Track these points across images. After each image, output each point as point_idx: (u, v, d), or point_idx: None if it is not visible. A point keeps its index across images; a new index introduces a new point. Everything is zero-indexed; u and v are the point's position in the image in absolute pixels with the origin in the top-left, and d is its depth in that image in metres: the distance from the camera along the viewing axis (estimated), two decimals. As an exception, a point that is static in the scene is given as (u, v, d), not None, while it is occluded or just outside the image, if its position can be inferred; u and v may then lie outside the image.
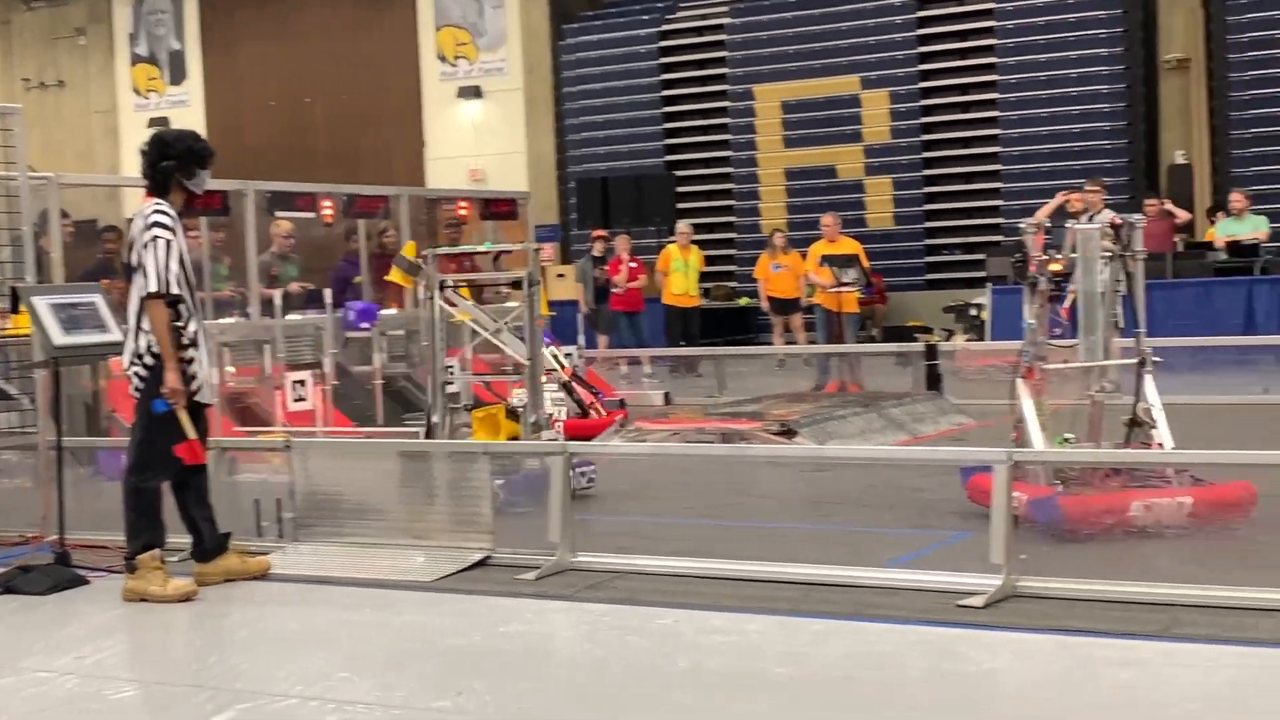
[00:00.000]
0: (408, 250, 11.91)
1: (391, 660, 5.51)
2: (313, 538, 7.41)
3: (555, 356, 11.58)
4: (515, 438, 8.90)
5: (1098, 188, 14.28)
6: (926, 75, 20.47)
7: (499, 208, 15.04)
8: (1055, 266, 7.76)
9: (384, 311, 12.63)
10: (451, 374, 12.52)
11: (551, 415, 11.48)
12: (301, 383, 11.21)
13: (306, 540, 7.41)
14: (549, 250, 21.37)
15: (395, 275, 11.75)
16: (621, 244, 17.78)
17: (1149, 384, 7.65)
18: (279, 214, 12.90)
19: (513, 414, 9.05)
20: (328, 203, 13.13)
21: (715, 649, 5.50)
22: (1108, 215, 12.15)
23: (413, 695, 4.99)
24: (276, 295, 11.81)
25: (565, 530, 6.78)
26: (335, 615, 6.31)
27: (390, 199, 13.85)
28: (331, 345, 11.69)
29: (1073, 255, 7.82)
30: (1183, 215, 16.88)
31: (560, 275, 19.99)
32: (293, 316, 12.18)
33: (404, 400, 12.68)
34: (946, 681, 4.98)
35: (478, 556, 6.92)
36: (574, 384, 11.51)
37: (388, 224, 13.89)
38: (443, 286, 9.36)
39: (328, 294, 11.96)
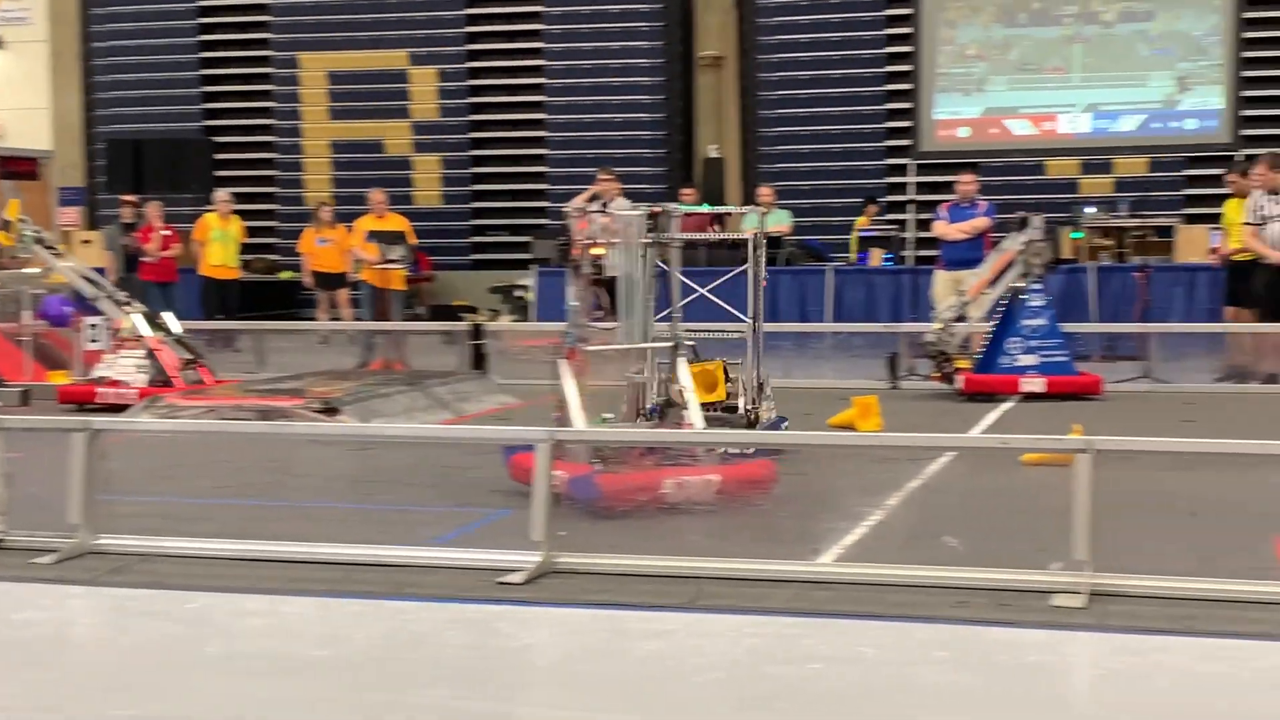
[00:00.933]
0: (10, 210, 11.19)
1: (-117, 656, 5.02)
2: None
3: (148, 321, 11.19)
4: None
5: (610, 176, 14.81)
6: (475, 55, 20.62)
7: (18, 166, 14.11)
8: (597, 250, 7.97)
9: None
10: (95, 330, 11.79)
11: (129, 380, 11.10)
12: None
13: None
14: (73, 215, 20.13)
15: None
16: (153, 211, 16.97)
17: (682, 366, 7.99)
18: None
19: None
20: None
21: (250, 632, 5.32)
22: (623, 203, 12.65)
23: (-92, 694, 4.56)
24: None
25: (87, 511, 6.38)
26: None
27: (-109, 151, 12.75)
28: None
29: (614, 241, 8.06)
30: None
31: (86, 242, 18.85)
32: None
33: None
34: (485, 657, 5.02)
35: (-13, 540, 6.42)
36: (162, 350, 11.25)
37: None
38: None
39: None
